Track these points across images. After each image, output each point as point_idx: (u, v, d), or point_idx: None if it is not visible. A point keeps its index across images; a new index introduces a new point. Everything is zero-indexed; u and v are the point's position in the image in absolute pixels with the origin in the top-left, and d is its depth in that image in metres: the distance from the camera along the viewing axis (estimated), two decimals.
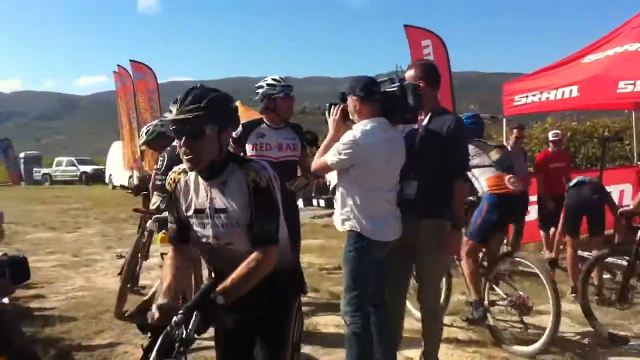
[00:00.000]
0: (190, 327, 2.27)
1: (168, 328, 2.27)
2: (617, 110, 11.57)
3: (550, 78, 9.00)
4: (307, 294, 6.84)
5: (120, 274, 6.95)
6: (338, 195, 4.30)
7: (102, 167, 38.74)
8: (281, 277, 2.81)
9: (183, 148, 2.62)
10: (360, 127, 4.16)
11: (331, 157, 4.17)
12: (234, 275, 2.55)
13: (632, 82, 7.39)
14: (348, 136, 4.13)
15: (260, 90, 5.37)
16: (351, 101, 4.23)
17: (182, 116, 2.55)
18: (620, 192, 8.82)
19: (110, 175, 33.66)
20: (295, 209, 5.68)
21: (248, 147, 5.33)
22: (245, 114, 20.66)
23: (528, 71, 10.59)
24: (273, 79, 5.34)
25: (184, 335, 2.26)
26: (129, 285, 6.69)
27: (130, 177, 24.32)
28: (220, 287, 2.48)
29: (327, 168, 4.30)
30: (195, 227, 2.79)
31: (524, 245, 9.97)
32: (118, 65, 20.73)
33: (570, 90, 8.17)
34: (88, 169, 40.89)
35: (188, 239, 2.85)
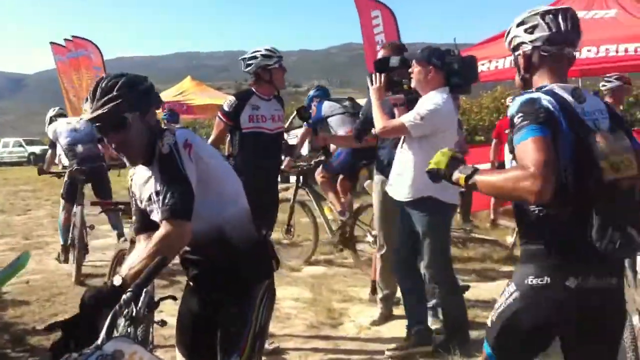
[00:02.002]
0: (139, 305, 2.23)
1: (117, 307, 2.23)
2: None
3: (499, 47, 9.04)
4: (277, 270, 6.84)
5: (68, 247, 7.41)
6: (407, 164, 4.40)
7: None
8: (242, 258, 2.69)
9: (113, 145, 2.55)
10: (438, 96, 4.32)
11: (410, 120, 4.28)
12: (136, 255, 2.43)
13: (578, 49, 7.50)
14: (429, 104, 4.28)
15: (253, 62, 5.15)
16: (423, 69, 4.37)
17: (99, 112, 2.45)
18: None
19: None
20: (274, 185, 5.58)
21: (244, 119, 5.13)
22: (196, 89, 20.62)
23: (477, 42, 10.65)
24: (267, 50, 5.17)
25: (133, 314, 2.22)
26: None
27: None
28: (124, 267, 2.40)
29: (402, 130, 4.38)
30: (152, 216, 2.70)
31: (477, 212, 10.14)
32: (51, 43, 20.06)
33: None
34: (36, 149, 39.71)
35: (152, 227, 2.70)
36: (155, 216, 2.66)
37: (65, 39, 19.53)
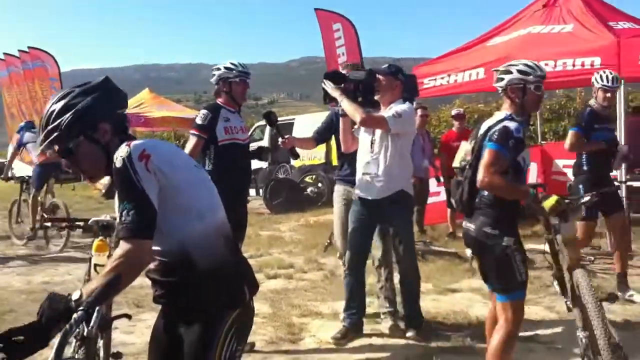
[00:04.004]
0: (91, 324, 2.12)
1: (67, 326, 2.11)
2: None
3: (458, 61, 9.18)
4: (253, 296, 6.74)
5: None
6: (383, 165, 4.90)
7: (3, 160, 36.79)
8: (208, 281, 2.44)
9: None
10: (406, 104, 4.98)
11: (390, 116, 4.81)
12: (99, 275, 2.28)
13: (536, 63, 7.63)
14: (404, 107, 4.91)
15: (216, 73, 5.23)
16: (391, 83, 4.98)
17: (41, 148, 2.42)
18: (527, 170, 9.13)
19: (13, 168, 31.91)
20: (246, 198, 5.52)
21: (220, 132, 5.12)
22: (154, 101, 20.41)
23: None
24: (231, 63, 5.24)
25: (85, 333, 2.11)
26: None
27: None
28: (85, 288, 2.21)
29: (381, 123, 4.85)
30: None
31: (436, 225, 10.20)
32: (5, 54, 19.75)
33: (477, 73, 8.36)
34: None
35: None
36: None
37: (20, 50, 19.22)
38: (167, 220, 2.34)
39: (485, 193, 3.75)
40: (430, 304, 5.94)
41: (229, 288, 2.52)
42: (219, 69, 5.23)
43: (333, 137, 5.71)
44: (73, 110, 2.32)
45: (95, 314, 2.13)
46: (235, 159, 5.14)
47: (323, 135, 5.82)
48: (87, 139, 2.36)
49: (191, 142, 5.14)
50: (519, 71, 3.82)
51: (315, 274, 7.63)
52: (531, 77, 3.80)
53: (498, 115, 3.87)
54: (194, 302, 2.47)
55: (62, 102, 2.34)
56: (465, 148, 4.15)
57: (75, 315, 2.09)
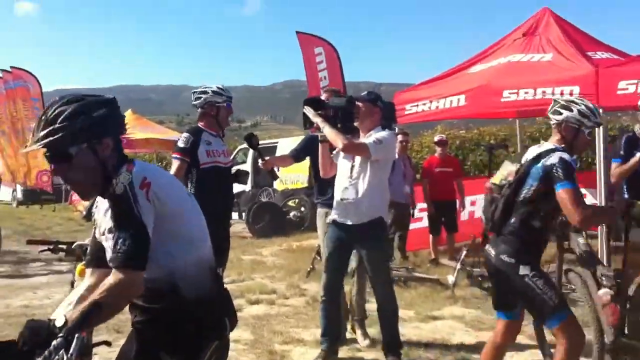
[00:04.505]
0: (71, 351, 2.10)
1: (46, 353, 2.09)
2: (502, 118, 12.15)
3: (439, 87, 9.25)
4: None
5: None
6: (363, 191, 4.89)
7: None
8: (191, 312, 2.42)
9: (61, 177, 2.38)
10: (386, 131, 5.02)
11: (372, 144, 4.83)
12: (82, 291, 2.27)
13: (516, 91, 7.71)
14: (384, 134, 4.95)
15: (203, 96, 5.22)
16: (371, 109, 5.02)
17: (37, 145, 2.26)
18: None
19: None
20: (228, 222, 5.52)
21: (202, 155, 5.14)
22: (137, 122, 20.30)
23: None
24: (218, 88, 5.25)
25: None
26: None
27: (14, 190, 23.02)
28: (69, 314, 2.18)
29: (362, 149, 4.87)
30: (106, 252, 2.46)
31: (418, 251, 10.22)
32: None
33: (458, 100, 8.42)
34: None
35: (103, 262, 2.48)
36: (108, 255, 2.42)
37: (2, 70, 19.15)
38: (160, 248, 2.32)
39: (512, 220, 3.81)
40: (412, 331, 5.94)
41: (212, 319, 2.51)
42: (205, 92, 5.22)
43: (308, 159, 5.81)
44: (88, 116, 2.28)
45: (75, 341, 2.11)
46: (218, 182, 5.14)
47: (299, 154, 5.86)
48: (90, 149, 2.32)
49: (174, 165, 5.13)
50: (580, 112, 3.83)
51: (298, 300, 7.59)
52: (588, 121, 3.82)
53: (547, 145, 3.90)
54: (176, 331, 2.44)
55: (73, 106, 2.29)
56: (508, 168, 4.21)
57: (54, 342, 2.07)
